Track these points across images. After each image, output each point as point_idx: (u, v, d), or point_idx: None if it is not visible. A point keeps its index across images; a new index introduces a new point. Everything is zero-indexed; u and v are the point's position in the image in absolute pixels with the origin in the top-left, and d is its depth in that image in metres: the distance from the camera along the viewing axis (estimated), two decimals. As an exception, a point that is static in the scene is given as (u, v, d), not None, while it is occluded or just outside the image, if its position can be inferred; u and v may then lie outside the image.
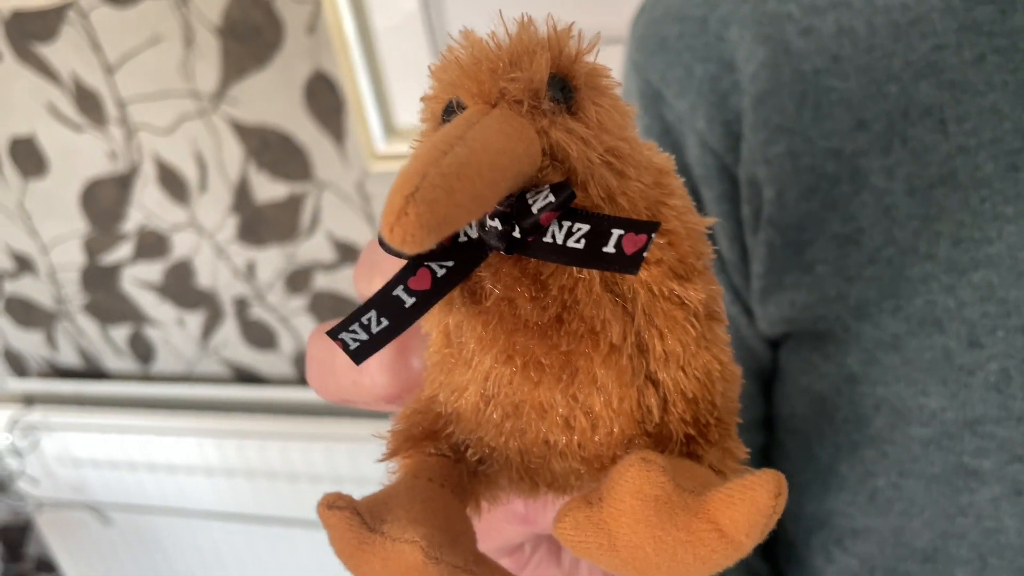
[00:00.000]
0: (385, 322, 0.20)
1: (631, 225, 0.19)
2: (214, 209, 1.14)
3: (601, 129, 0.20)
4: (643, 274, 0.21)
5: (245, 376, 1.28)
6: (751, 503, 0.18)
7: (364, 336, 0.20)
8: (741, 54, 0.41)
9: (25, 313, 1.35)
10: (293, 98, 1.02)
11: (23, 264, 1.29)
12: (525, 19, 0.20)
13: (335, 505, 0.20)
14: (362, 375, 0.25)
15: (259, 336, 1.23)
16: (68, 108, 1.12)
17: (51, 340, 1.37)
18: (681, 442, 0.22)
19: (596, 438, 0.21)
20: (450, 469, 0.23)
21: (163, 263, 1.21)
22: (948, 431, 0.39)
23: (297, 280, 1.16)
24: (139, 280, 1.24)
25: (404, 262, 0.20)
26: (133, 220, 1.19)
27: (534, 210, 0.19)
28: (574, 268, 0.20)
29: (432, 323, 0.22)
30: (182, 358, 1.30)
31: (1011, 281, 0.36)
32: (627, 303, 0.21)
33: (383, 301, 0.20)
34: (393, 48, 0.94)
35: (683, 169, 0.44)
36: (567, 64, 0.20)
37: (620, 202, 0.20)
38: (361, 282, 0.25)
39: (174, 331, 1.27)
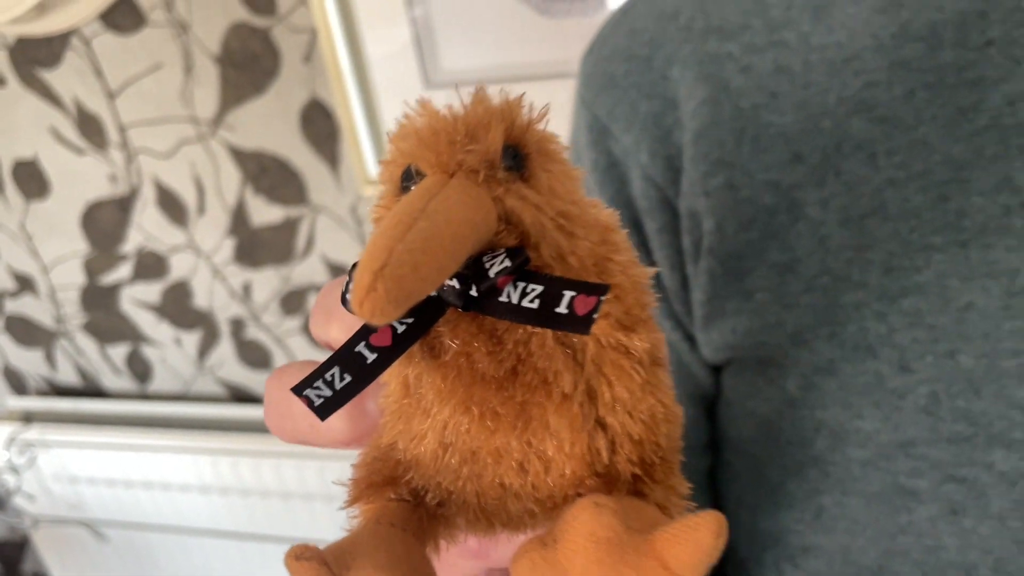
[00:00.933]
0: (348, 378, 0.21)
1: (582, 287, 0.20)
2: (212, 231, 1.16)
3: (552, 194, 0.21)
4: (592, 327, 0.22)
5: (240, 396, 1.30)
6: (694, 543, 0.19)
7: (328, 392, 0.21)
8: (683, 92, 0.43)
9: (25, 332, 1.37)
10: (289, 124, 1.05)
11: (24, 284, 1.32)
12: (479, 92, 0.21)
13: (302, 556, 0.20)
14: (319, 420, 0.27)
15: (254, 356, 1.25)
16: (70, 132, 1.15)
17: (50, 359, 1.39)
18: (628, 481, 0.23)
19: (549, 480, 0.22)
20: (410, 513, 0.23)
21: (161, 284, 1.24)
22: (883, 452, 0.40)
23: (292, 301, 1.18)
24: (138, 300, 1.27)
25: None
26: (132, 241, 1.21)
27: (491, 274, 0.20)
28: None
29: (391, 374, 0.23)
30: (179, 377, 1.32)
31: (939, 308, 0.37)
32: (577, 354, 0.22)
33: (345, 358, 0.21)
34: (386, 78, 0.97)
35: (628, 201, 0.45)
36: (519, 133, 0.21)
37: (570, 261, 0.22)
38: (318, 328, 0.26)
39: (171, 350, 1.30)
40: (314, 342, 1.21)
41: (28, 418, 1.37)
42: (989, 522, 0.38)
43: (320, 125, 1.04)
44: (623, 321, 0.22)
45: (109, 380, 1.37)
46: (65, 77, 1.11)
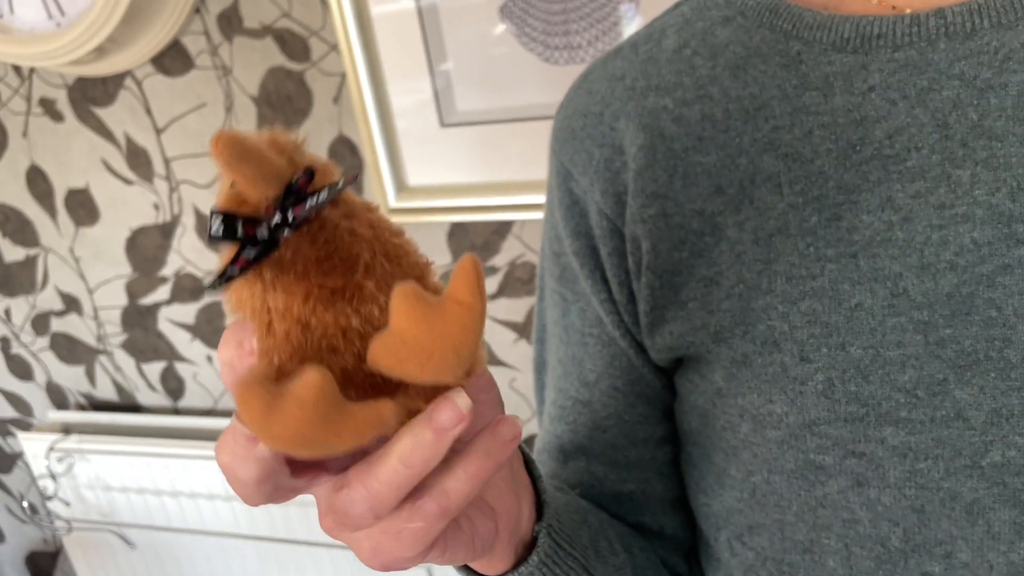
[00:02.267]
0: (224, 278, 0.31)
1: (347, 179, 0.31)
2: (244, 257, 1.26)
3: (294, 144, 0.32)
4: (373, 231, 0.32)
5: (265, 412, 1.39)
6: (465, 275, 0.30)
7: (218, 284, 0.30)
8: (627, 139, 0.51)
9: (68, 350, 1.47)
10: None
11: (70, 304, 1.42)
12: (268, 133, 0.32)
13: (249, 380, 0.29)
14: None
15: (279, 374, 1.34)
16: (120, 164, 1.26)
17: (90, 375, 1.48)
18: None
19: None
20: None
21: (196, 305, 1.33)
22: (793, 432, 0.46)
23: (316, 323, 1.27)
24: (174, 320, 1.36)
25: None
26: (172, 265, 1.31)
27: (294, 182, 0.30)
28: (328, 226, 0.31)
29: (250, 311, 0.32)
30: (208, 394, 1.41)
31: (832, 308, 0.44)
32: (368, 242, 0.32)
33: (222, 274, 0.30)
34: (406, 118, 1.07)
35: (587, 231, 0.54)
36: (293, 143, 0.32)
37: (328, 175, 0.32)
38: (224, 372, 0.33)
39: (203, 368, 1.39)
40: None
41: (67, 429, 1.46)
42: (889, 491, 0.44)
43: (346, 160, 1.14)
44: (393, 231, 0.33)
45: (144, 396, 1.46)
46: (117, 114, 1.23)
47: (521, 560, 0.45)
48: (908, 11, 0.45)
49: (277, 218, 0.30)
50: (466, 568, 0.45)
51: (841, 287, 0.44)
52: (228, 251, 0.32)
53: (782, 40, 0.47)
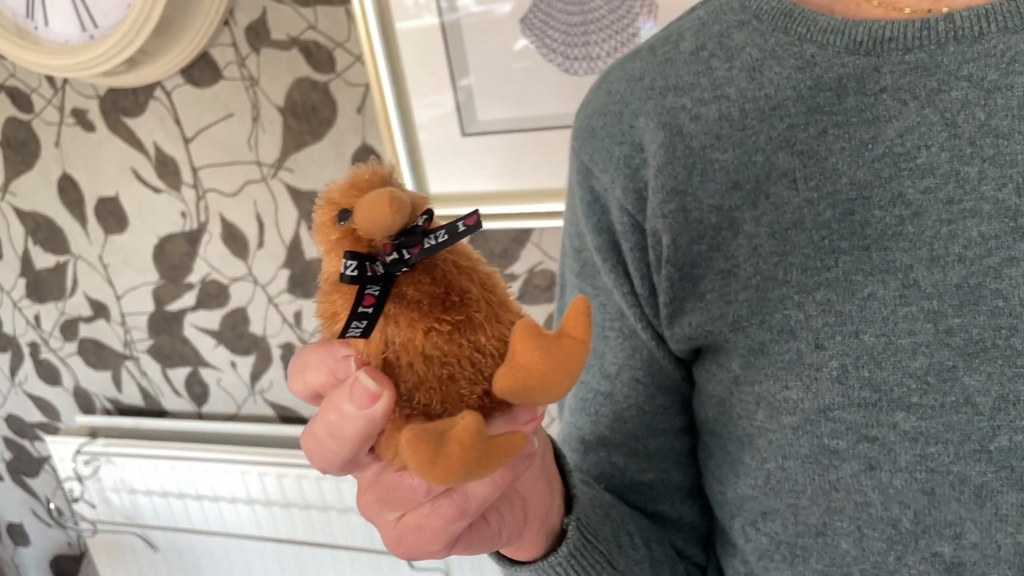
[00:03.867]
0: (364, 323, 0.33)
1: (463, 217, 0.34)
2: (269, 264, 1.29)
3: (418, 194, 0.35)
4: (470, 262, 0.36)
5: (287, 416, 1.41)
6: (578, 312, 0.34)
7: (359, 329, 0.33)
8: (647, 137, 0.53)
9: (96, 355, 1.50)
10: (342, 168, 1.17)
11: (98, 310, 1.45)
12: (357, 165, 0.35)
13: (412, 429, 0.32)
14: (337, 437, 0.35)
15: (302, 380, 1.36)
16: (149, 173, 1.29)
17: (117, 380, 1.51)
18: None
19: (488, 362, 0.35)
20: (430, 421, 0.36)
21: (221, 311, 1.36)
22: (808, 418, 0.48)
23: (338, 329, 1.29)
24: (199, 327, 1.39)
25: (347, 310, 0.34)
26: (198, 272, 1.34)
27: (420, 224, 0.33)
28: (440, 263, 0.35)
29: (370, 352, 0.35)
30: (232, 399, 1.44)
31: (846, 298, 0.46)
32: (471, 277, 0.35)
33: (356, 316, 0.33)
34: (428, 127, 1.09)
35: (608, 227, 0.56)
36: (390, 172, 0.35)
37: (439, 221, 0.35)
38: (297, 385, 0.35)
39: (227, 374, 1.41)
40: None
41: (94, 433, 1.49)
42: (900, 475, 0.46)
43: (369, 169, 1.16)
44: (481, 261, 0.37)
45: (169, 401, 1.49)
46: (147, 124, 1.26)
47: (549, 550, 0.47)
48: (922, 13, 0.47)
49: (394, 255, 0.33)
50: (496, 552, 0.47)
51: (854, 278, 0.46)
52: (339, 297, 0.34)
53: (796, 43, 0.49)
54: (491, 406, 0.36)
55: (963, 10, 0.45)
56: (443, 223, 0.34)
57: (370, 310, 0.33)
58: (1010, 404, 0.43)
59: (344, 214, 0.33)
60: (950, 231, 0.44)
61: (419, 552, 0.37)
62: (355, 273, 0.32)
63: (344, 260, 0.32)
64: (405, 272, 0.34)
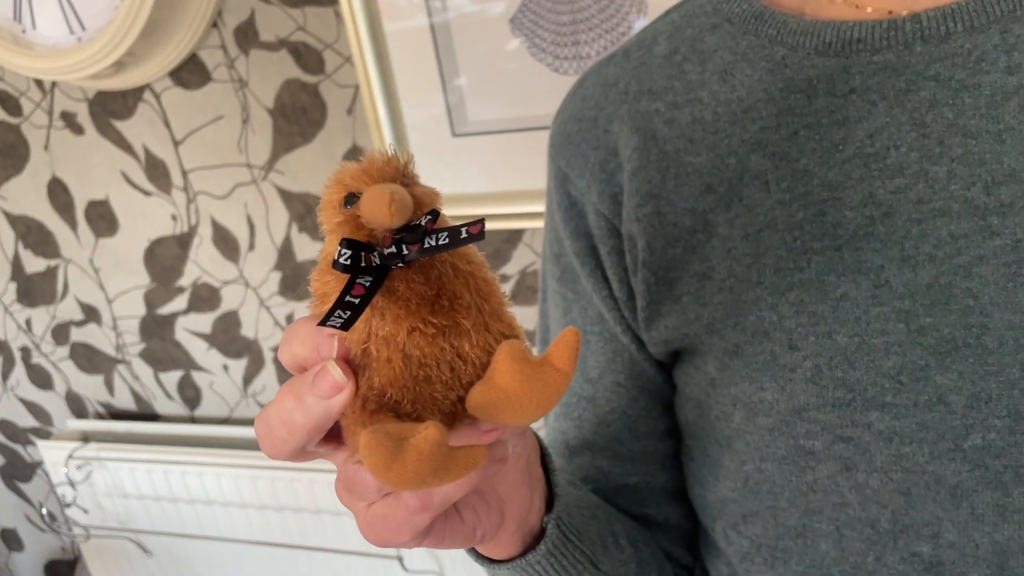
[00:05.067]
0: (348, 313, 0.33)
1: (468, 223, 0.33)
2: (260, 266, 1.28)
3: (432, 192, 0.35)
4: (470, 267, 0.35)
5: (280, 420, 1.40)
6: (567, 345, 0.33)
7: (340, 320, 0.32)
8: (622, 142, 0.53)
9: (88, 359, 1.50)
10: (333, 169, 1.16)
11: (90, 314, 1.45)
12: (372, 151, 0.35)
13: (374, 432, 0.32)
14: (288, 425, 0.35)
15: (294, 383, 1.36)
16: (139, 175, 1.29)
17: (109, 384, 1.51)
18: None
19: (468, 369, 0.35)
20: (397, 420, 0.35)
21: (213, 314, 1.35)
22: (784, 419, 0.48)
23: (330, 331, 1.29)
24: (191, 330, 1.39)
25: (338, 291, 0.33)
26: (189, 275, 1.34)
27: (422, 223, 0.33)
28: (437, 264, 0.34)
29: (352, 339, 0.35)
30: (224, 403, 1.43)
31: (819, 299, 0.46)
32: (467, 283, 0.35)
33: (341, 304, 0.33)
34: (418, 127, 1.09)
35: (586, 232, 0.56)
36: (406, 164, 0.35)
37: (448, 221, 0.35)
38: (285, 354, 0.35)
39: (219, 377, 1.41)
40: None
41: (86, 438, 1.48)
42: (876, 475, 0.46)
43: (359, 170, 1.15)
44: (483, 266, 0.36)
45: (161, 405, 1.48)
46: (136, 126, 1.25)
47: (528, 549, 0.47)
48: (889, 14, 0.47)
49: (392, 249, 0.33)
50: (473, 550, 0.47)
51: (827, 279, 0.46)
52: (332, 278, 0.34)
53: (767, 45, 0.49)
54: (462, 412, 0.36)
55: (930, 10, 0.45)
56: (448, 225, 0.33)
57: (356, 301, 0.32)
58: (982, 402, 0.43)
59: (351, 198, 0.33)
60: (920, 231, 0.44)
61: (388, 540, 0.37)
62: (348, 262, 0.32)
63: (339, 247, 0.32)
64: (400, 267, 0.34)
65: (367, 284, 0.33)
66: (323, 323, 0.32)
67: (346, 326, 0.32)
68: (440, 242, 0.33)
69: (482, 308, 0.35)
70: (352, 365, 0.34)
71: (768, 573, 0.53)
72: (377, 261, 0.33)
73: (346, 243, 0.32)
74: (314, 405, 0.33)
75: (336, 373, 0.33)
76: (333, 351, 0.34)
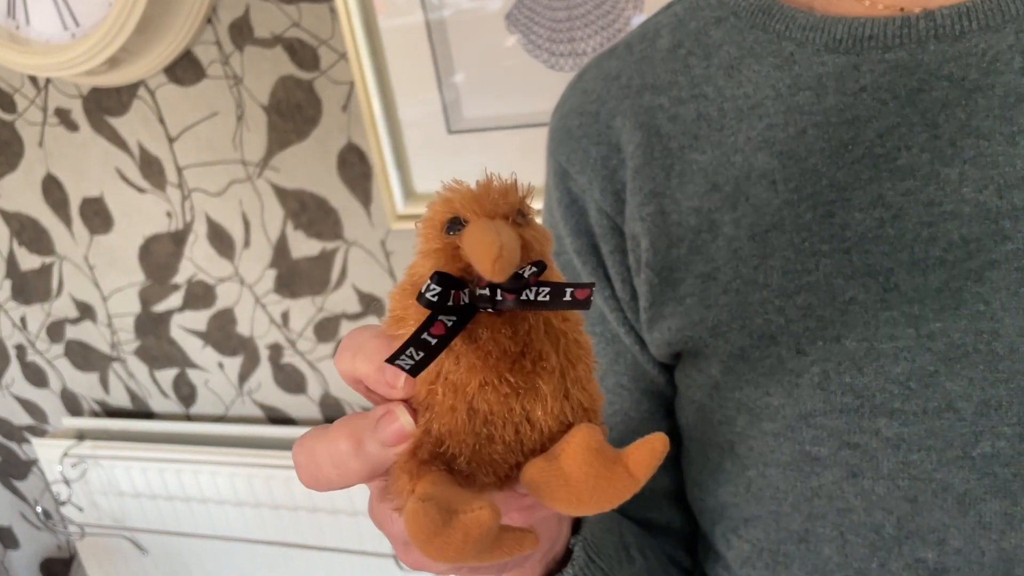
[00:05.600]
0: (421, 354, 0.30)
1: (576, 285, 0.31)
2: (255, 264, 1.28)
3: (543, 235, 0.33)
4: (565, 324, 0.33)
5: (275, 418, 1.40)
6: (649, 450, 0.30)
7: (411, 362, 0.30)
8: (624, 138, 0.52)
9: (83, 357, 1.49)
10: (328, 166, 1.16)
11: (84, 311, 1.44)
12: (491, 176, 0.32)
13: (423, 499, 0.29)
14: (340, 468, 0.33)
15: (290, 380, 1.36)
16: (134, 172, 1.28)
17: (104, 382, 1.50)
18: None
19: (534, 435, 0.32)
20: (448, 478, 0.33)
21: (208, 312, 1.35)
22: (789, 424, 0.47)
23: (325, 328, 1.29)
24: (186, 327, 1.38)
25: (417, 324, 0.31)
26: (184, 273, 1.33)
27: (526, 275, 0.31)
28: (530, 319, 0.32)
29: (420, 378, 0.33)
30: (220, 400, 1.43)
31: (827, 302, 0.45)
32: (557, 343, 0.32)
33: (417, 342, 0.30)
34: (414, 125, 1.08)
35: (587, 229, 0.54)
36: (523, 200, 0.32)
37: (553, 278, 0.32)
38: (344, 364, 0.32)
39: (215, 375, 1.40)
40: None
41: (81, 436, 1.48)
42: (883, 482, 0.45)
43: (355, 167, 1.15)
44: (580, 324, 0.33)
45: (157, 402, 1.48)
46: (131, 123, 1.24)
47: (552, 569, 0.46)
48: (901, 11, 0.46)
49: (486, 291, 0.31)
50: None
51: (835, 281, 0.45)
52: (414, 306, 0.31)
53: (775, 41, 0.48)
54: (516, 477, 0.33)
55: (944, 8, 0.44)
56: (553, 280, 0.31)
57: (434, 341, 0.30)
58: (992, 409, 0.42)
59: (455, 223, 0.31)
60: (930, 234, 0.43)
61: (422, 569, 0.35)
62: (435, 299, 0.30)
63: (429, 281, 0.30)
64: (488, 312, 0.31)
65: (449, 324, 0.30)
66: (392, 360, 0.29)
67: (415, 370, 0.30)
68: (539, 298, 0.30)
69: (566, 373, 0.32)
70: (413, 404, 0.32)
71: None
72: (466, 300, 0.31)
73: (438, 278, 0.30)
74: (374, 452, 0.31)
75: (405, 420, 0.31)
76: (399, 381, 0.31)
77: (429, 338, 0.30)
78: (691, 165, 0.50)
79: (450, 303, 0.30)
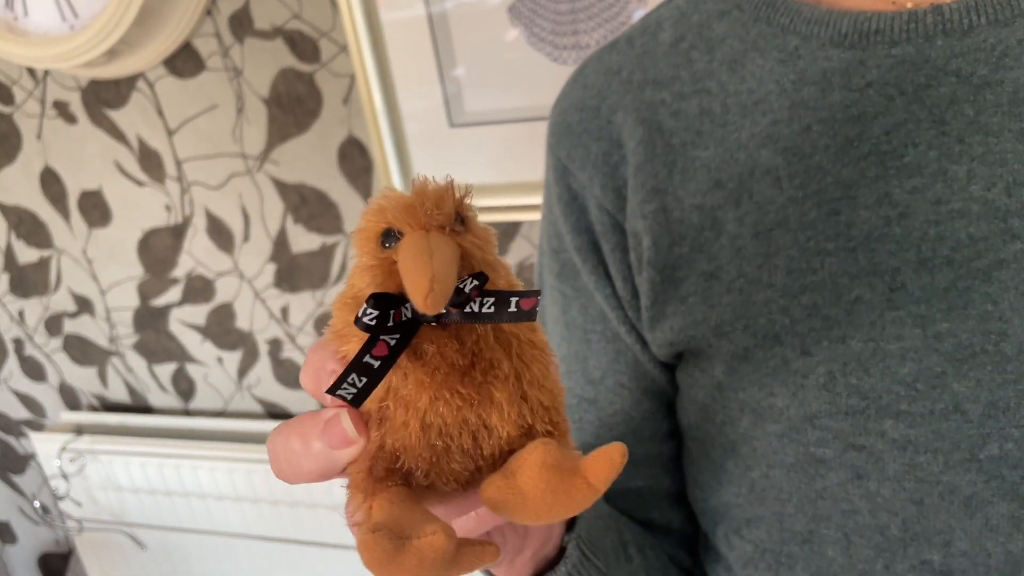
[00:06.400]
0: (364, 379, 0.29)
1: (521, 293, 0.30)
2: (255, 258, 1.27)
3: (485, 241, 0.32)
4: (516, 327, 0.32)
5: (275, 413, 1.39)
6: (608, 461, 0.30)
7: (354, 390, 0.29)
8: (625, 134, 0.51)
9: (81, 351, 1.48)
10: (328, 160, 1.15)
11: (83, 305, 1.43)
12: (422, 180, 0.31)
13: (375, 530, 0.28)
14: (293, 466, 0.33)
15: (289, 375, 1.35)
16: (132, 165, 1.27)
17: (102, 376, 1.49)
18: (543, 436, 0.33)
19: (491, 442, 0.32)
20: (406, 492, 0.32)
21: (207, 306, 1.34)
22: (794, 425, 0.46)
23: (325, 323, 1.27)
24: (185, 322, 1.37)
25: (360, 341, 0.30)
26: (183, 267, 1.32)
27: (466, 290, 0.30)
28: (478, 327, 0.31)
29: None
30: (219, 395, 1.42)
31: (832, 302, 0.44)
32: (509, 348, 0.32)
33: (358, 366, 0.29)
34: (415, 119, 1.07)
35: (588, 227, 0.53)
36: (460, 204, 0.31)
37: (500, 283, 0.31)
38: (308, 382, 0.32)
39: (214, 369, 1.39)
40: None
41: (79, 430, 1.47)
42: (888, 484, 0.44)
43: (356, 160, 1.14)
44: (532, 324, 0.32)
45: (155, 397, 1.47)
46: (130, 116, 1.24)
47: (543, 568, 0.46)
48: (909, 5, 0.45)
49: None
50: (487, 571, 0.46)
51: (841, 281, 0.44)
52: (354, 327, 0.30)
53: (779, 35, 0.47)
54: (477, 482, 0.33)
55: (952, 2, 0.43)
56: (497, 289, 0.30)
57: (377, 364, 0.29)
58: (1000, 411, 0.41)
59: (389, 236, 0.30)
60: (938, 232, 0.42)
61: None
62: (372, 323, 0.29)
63: (366, 304, 0.29)
64: (433, 325, 0.30)
65: (392, 343, 0.29)
66: (332, 391, 0.29)
67: (358, 400, 0.29)
68: (483, 309, 0.30)
69: (521, 376, 0.32)
70: (365, 418, 0.31)
71: None
72: (408, 315, 0.30)
73: (374, 301, 0.29)
74: (320, 453, 0.31)
75: (347, 425, 0.31)
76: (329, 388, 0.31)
77: (372, 360, 0.29)
78: (694, 161, 0.49)
79: (390, 321, 0.29)
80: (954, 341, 0.42)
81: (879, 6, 0.46)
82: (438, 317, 0.30)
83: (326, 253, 1.22)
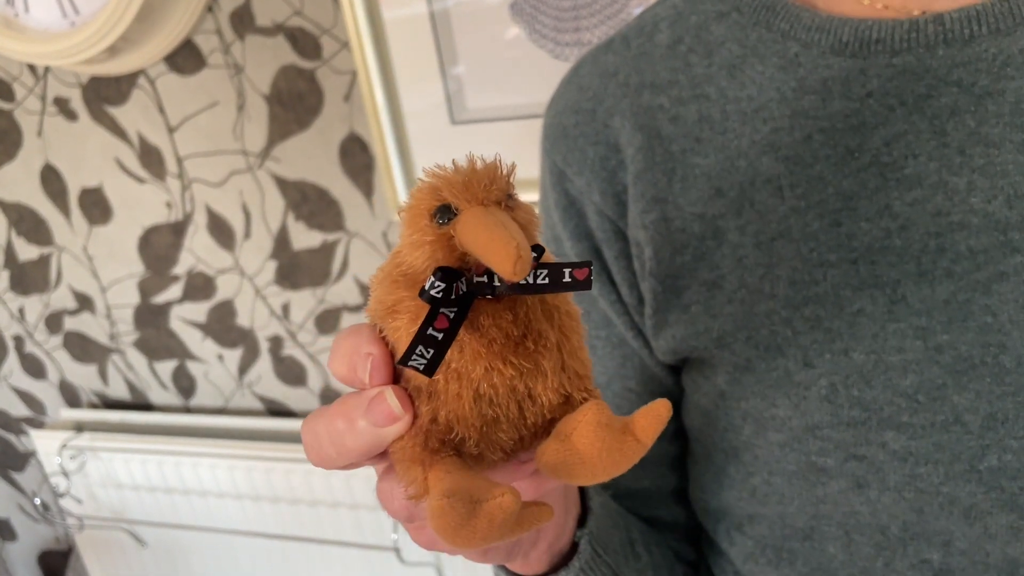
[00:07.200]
0: (432, 351, 0.30)
1: (573, 264, 0.31)
2: (256, 255, 1.27)
3: (532, 214, 0.32)
4: (557, 299, 0.33)
5: (275, 410, 1.39)
6: (654, 415, 0.32)
7: (423, 361, 0.30)
8: (624, 139, 0.50)
9: (81, 348, 1.48)
10: (329, 157, 1.15)
11: (83, 302, 1.43)
12: (472, 158, 0.32)
13: (449, 495, 0.29)
14: (337, 446, 0.33)
15: (290, 373, 1.35)
16: (133, 162, 1.27)
17: (103, 373, 1.49)
18: (579, 404, 0.34)
19: (535, 410, 0.33)
20: (461, 460, 0.33)
21: (208, 303, 1.34)
22: (796, 435, 0.46)
23: (326, 320, 1.28)
24: (185, 319, 1.37)
25: (412, 317, 0.31)
26: (184, 264, 1.32)
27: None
28: (528, 300, 0.32)
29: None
30: (220, 393, 1.42)
31: (834, 313, 0.44)
32: (552, 319, 0.33)
33: (424, 338, 0.30)
34: (416, 115, 1.07)
35: (587, 233, 0.53)
36: (508, 181, 0.32)
37: (546, 253, 0.32)
38: (342, 367, 0.32)
39: (214, 367, 1.39)
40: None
41: (79, 427, 1.47)
42: (889, 494, 0.44)
43: (357, 158, 1.14)
44: (568, 295, 0.34)
45: (156, 394, 1.47)
46: (131, 113, 1.23)
47: (557, 566, 0.46)
48: (916, 12, 0.44)
49: (483, 279, 0.31)
50: (502, 566, 0.46)
51: (843, 293, 0.44)
52: (407, 295, 0.31)
53: (779, 40, 0.47)
54: (519, 449, 0.34)
55: (953, 11, 0.42)
56: (551, 261, 0.31)
57: (439, 336, 0.30)
58: (999, 423, 0.41)
59: (445, 211, 0.30)
60: (938, 244, 0.42)
61: (433, 548, 0.36)
62: (439, 295, 0.30)
63: (431, 278, 0.30)
64: (487, 298, 0.31)
65: (451, 316, 0.30)
66: (403, 362, 0.30)
67: (430, 369, 0.30)
68: (539, 281, 0.30)
69: (562, 347, 0.33)
70: (412, 393, 0.32)
71: (772, 574, 0.52)
72: (464, 289, 0.31)
73: (441, 274, 0.30)
74: (366, 431, 0.31)
75: (393, 402, 0.31)
76: (366, 369, 0.31)
77: (435, 333, 0.30)
78: (694, 169, 0.48)
79: (452, 295, 0.30)
80: (954, 353, 0.42)
81: (873, 12, 0.45)
82: (492, 289, 0.31)
83: (327, 250, 1.22)
